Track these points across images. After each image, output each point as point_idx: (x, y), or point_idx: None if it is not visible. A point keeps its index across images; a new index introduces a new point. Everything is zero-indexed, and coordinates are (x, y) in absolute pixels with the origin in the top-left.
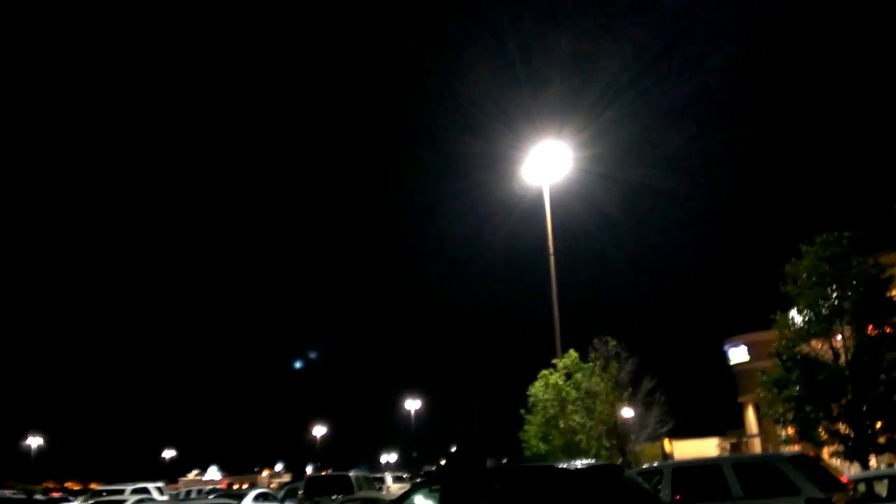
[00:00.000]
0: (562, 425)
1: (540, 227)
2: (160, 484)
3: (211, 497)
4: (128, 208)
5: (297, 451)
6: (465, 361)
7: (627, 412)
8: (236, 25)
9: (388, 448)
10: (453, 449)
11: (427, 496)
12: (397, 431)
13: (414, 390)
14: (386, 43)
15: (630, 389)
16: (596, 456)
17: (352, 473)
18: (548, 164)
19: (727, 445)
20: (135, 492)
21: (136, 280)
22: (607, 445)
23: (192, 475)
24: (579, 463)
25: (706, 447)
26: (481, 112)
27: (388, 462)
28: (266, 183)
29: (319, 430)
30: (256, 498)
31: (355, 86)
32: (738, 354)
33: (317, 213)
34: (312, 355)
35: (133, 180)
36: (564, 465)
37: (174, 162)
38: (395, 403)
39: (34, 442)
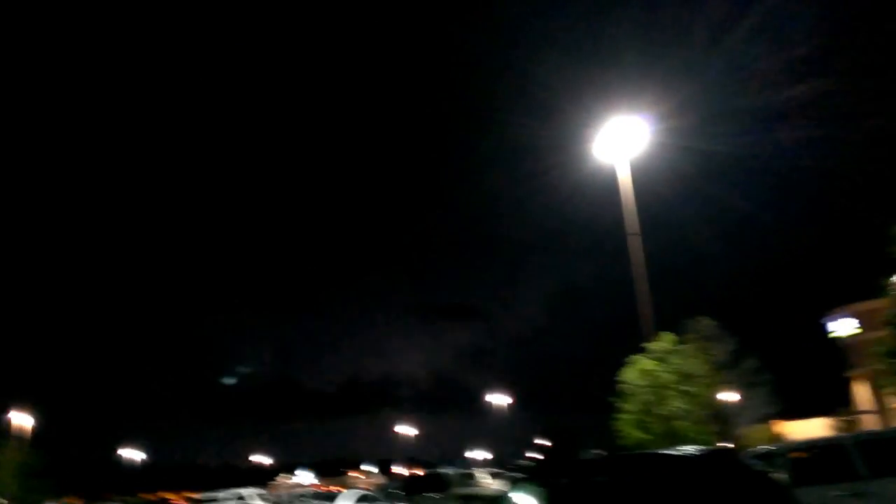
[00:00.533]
0: (659, 412)
1: (620, 206)
2: (261, 490)
3: (314, 501)
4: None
5: (383, 452)
6: (552, 352)
7: (729, 395)
8: (302, 16)
9: (476, 445)
10: (544, 442)
11: (530, 490)
12: (485, 428)
13: (500, 385)
14: (448, 25)
15: (730, 370)
16: (700, 442)
17: (447, 471)
18: (623, 139)
19: (839, 424)
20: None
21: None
22: (712, 431)
23: (280, 479)
24: (691, 448)
25: (813, 427)
26: (548, 92)
27: (476, 459)
28: (345, 173)
29: (406, 430)
30: (360, 499)
31: (418, 73)
32: (845, 326)
33: (385, 205)
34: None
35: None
36: (676, 452)
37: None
38: (481, 399)
39: (129, 454)
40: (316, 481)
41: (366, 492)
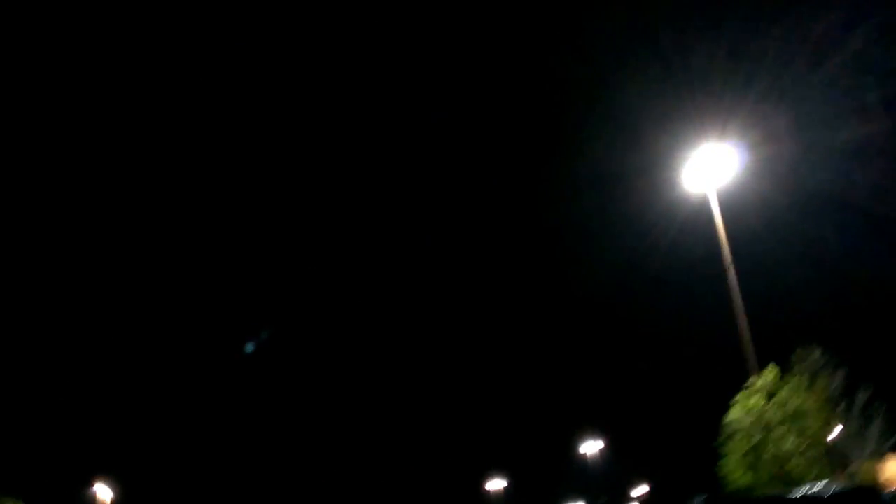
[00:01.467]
0: (769, 453)
1: (706, 237)
2: None
3: None
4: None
5: None
6: (641, 392)
7: (842, 430)
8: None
9: (569, 496)
10: (641, 490)
11: None
12: (577, 477)
13: (591, 431)
14: (532, 49)
15: (843, 404)
16: (815, 482)
17: None
18: (711, 168)
19: None
20: None
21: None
22: (826, 470)
23: None
24: (830, 486)
25: None
26: (634, 118)
27: None
28: (419, 196)
29: (496, 484)
30: None
31: (500, 96)
32: None
33: (464, 233)
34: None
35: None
36: (814, 491)
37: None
38: (572, 447)
39: (101, 491)
40: None
41: None
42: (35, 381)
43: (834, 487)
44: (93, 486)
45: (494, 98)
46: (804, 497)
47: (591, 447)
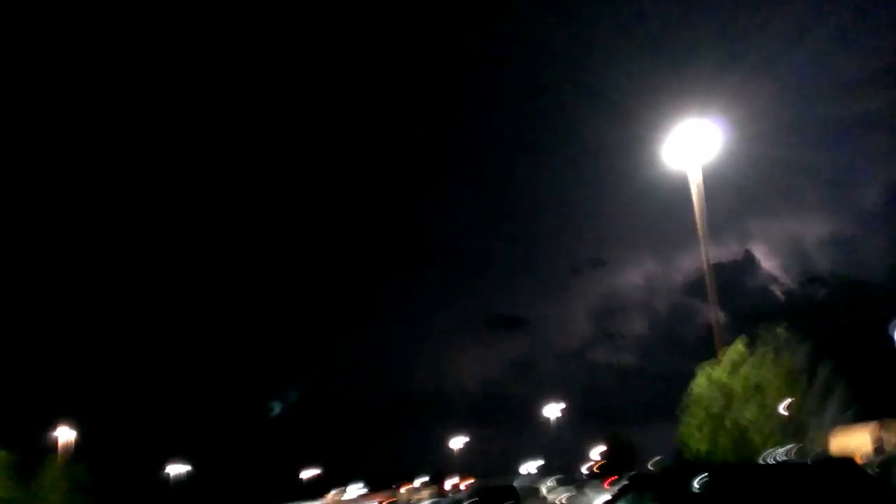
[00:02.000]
0: (728, 423)
1: (685, 213)
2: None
3: None
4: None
5: (434, 465)
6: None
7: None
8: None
9: (527, 457)
10: (599, 452)
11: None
12: (536, 439)
13: (552, 396)
14: (512, 21)
15: (805, 378)
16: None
17: (516, 483)
18: (693, 144)
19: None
20: None
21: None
22: (785, 441)
23: (331, 494)
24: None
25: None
26: (616, 93)
27: (528, 472)
28: (395, 182)
29: (457, 442)
30: None
31: (480, 70)
32: None
33: (446, 209)
34: None
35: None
36: (792, 461)
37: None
38: (533, 410)
39: (175, 470)
40: (358, 494)
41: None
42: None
43: (813, 455)
44: (56, 428)
45: (474, 70)
46: (786, 465)
47: (552, 410)
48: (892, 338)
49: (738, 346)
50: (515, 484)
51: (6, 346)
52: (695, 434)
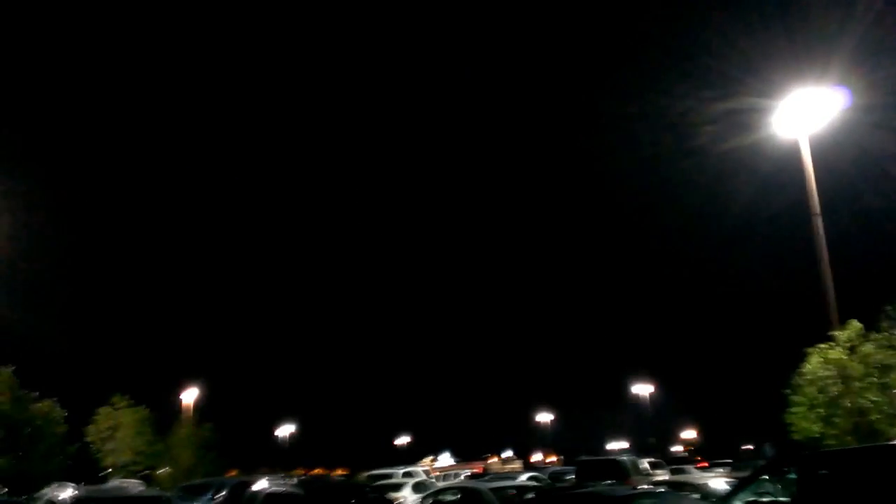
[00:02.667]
0: (847, 405)
1: (797, 186)
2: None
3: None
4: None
5: (522, 438)
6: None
7: None
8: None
9: (620, 434)
10: (689, 435)
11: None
12: (625, 417)
13: (645, 372)
14: None
15: None
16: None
17: (624, 458)
18: (807, 113)
19: None
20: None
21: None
22: None
23: (426, 461)
24: None
25: None
26: (722, 60)
27: (613, 450)
28: (498, 157)
29: (545, 417)
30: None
31: (572, 38)
32: None
33: (538, 182)
34: None
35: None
36: None
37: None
38: (624, 387)
39: (285, 431)
40: (450, 463)
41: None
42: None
43: None
44: (183, 390)
45: (577, 37)
46: None
47: (641, 390)
48: None
49: (855, 325)
50: (623, 458)
51: (140, 315)
52: (807, 416)
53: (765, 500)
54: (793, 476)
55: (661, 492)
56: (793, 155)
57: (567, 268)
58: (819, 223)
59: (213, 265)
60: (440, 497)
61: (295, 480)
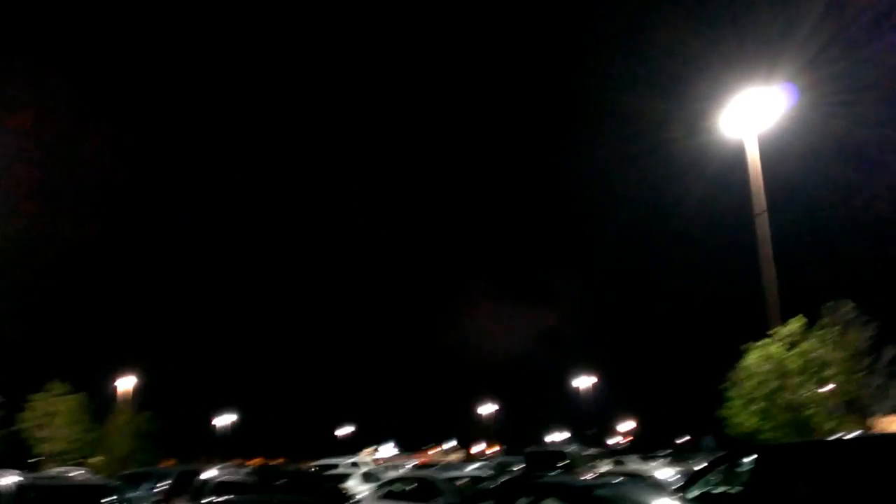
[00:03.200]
0: (785, 400)
1: (745, 184)
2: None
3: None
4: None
5: (464, 428)
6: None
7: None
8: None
9: (561, 425)
10: (629, 426)
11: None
12: (565, 409)
13: (585, 366)
14: None
15: (870, 358)
16: (833, 432)
17: (570, 448)
18: (753, 112)
19: None
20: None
21: (311, 257)
22: (847, 421)
23: (367, 452)
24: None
25: None
26: (670, 60)
27: (554, 440)
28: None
29: (487, 408)
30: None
31: (523, 41)
32: None
33: (487, 182)
34: None
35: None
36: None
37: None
38: (565, 379)
39: (224, 420)
40: (391, 454)
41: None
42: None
43: None
44: (119, 377)
45: (525, 38)
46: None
47: (583, 382)
48: None
49: (796, 323)
50: (571, 449)
51: (78, 300)
52: (744, 410)
53: (718, 490)
54: (742, 469)
55: (623, 481)
56: (742, 154)
57: (511, 265)
58: (763, 221)
59: (152, 250)
60: (394, 487)
61: (247, 469)
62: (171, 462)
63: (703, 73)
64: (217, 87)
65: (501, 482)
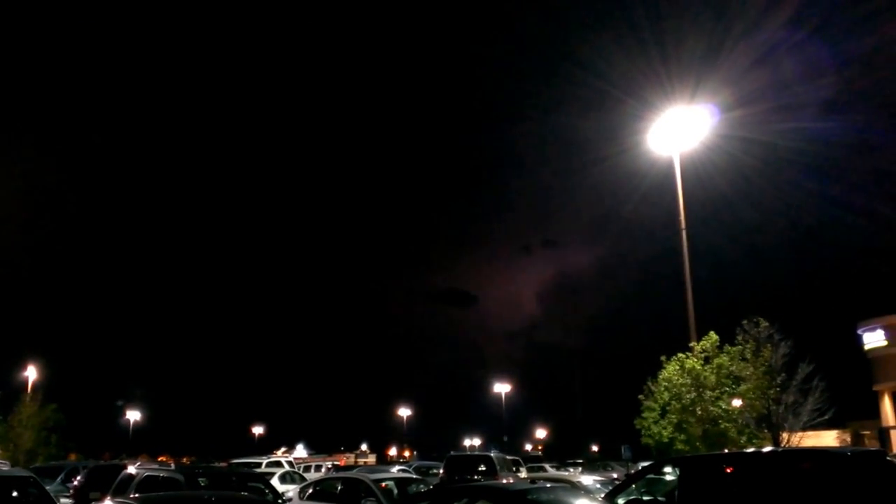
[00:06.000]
0: (699, 413)
1: (673, 200)
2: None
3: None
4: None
5: (380, 432)
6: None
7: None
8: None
9: (473, 432)
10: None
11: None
12: (482, 415)
13: (504, 373)
14: (492, 10)
15: (783, 375)
16: (745, 446)
17: (493, 454)
18: (679, 131)
19: (847, 438)
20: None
21: (229, 259)
22: (759, 435)
23: (279, 452)
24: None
25: (827, 441)
26: (601, 81)
27: (471, 445)
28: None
29: (402, 412)
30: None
31: (459, 60)
32: (874, 338)
33: (429, 197)
34: None
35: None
36: (828, 450)
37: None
38: (483, 386)
39: (130, 416)
40: (305, 455)
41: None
42: None
43: (849, 449)
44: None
45: (452, 59)
46: (818, 453)
47: (499, 388)
48: (860, 341)
49: (712, 337)
50: (493, 455)
51: None
52: (659, 421)
53: (645, 498)
54: (666, 478)
55: (553, 486)
56: (670, 171)
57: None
58: (684, 237)
59: (66, 244)
60: (321, 487)
61: (172, 465)
62: (73, 457)
63: (633, 93)
64: None
65: (435, 486)
